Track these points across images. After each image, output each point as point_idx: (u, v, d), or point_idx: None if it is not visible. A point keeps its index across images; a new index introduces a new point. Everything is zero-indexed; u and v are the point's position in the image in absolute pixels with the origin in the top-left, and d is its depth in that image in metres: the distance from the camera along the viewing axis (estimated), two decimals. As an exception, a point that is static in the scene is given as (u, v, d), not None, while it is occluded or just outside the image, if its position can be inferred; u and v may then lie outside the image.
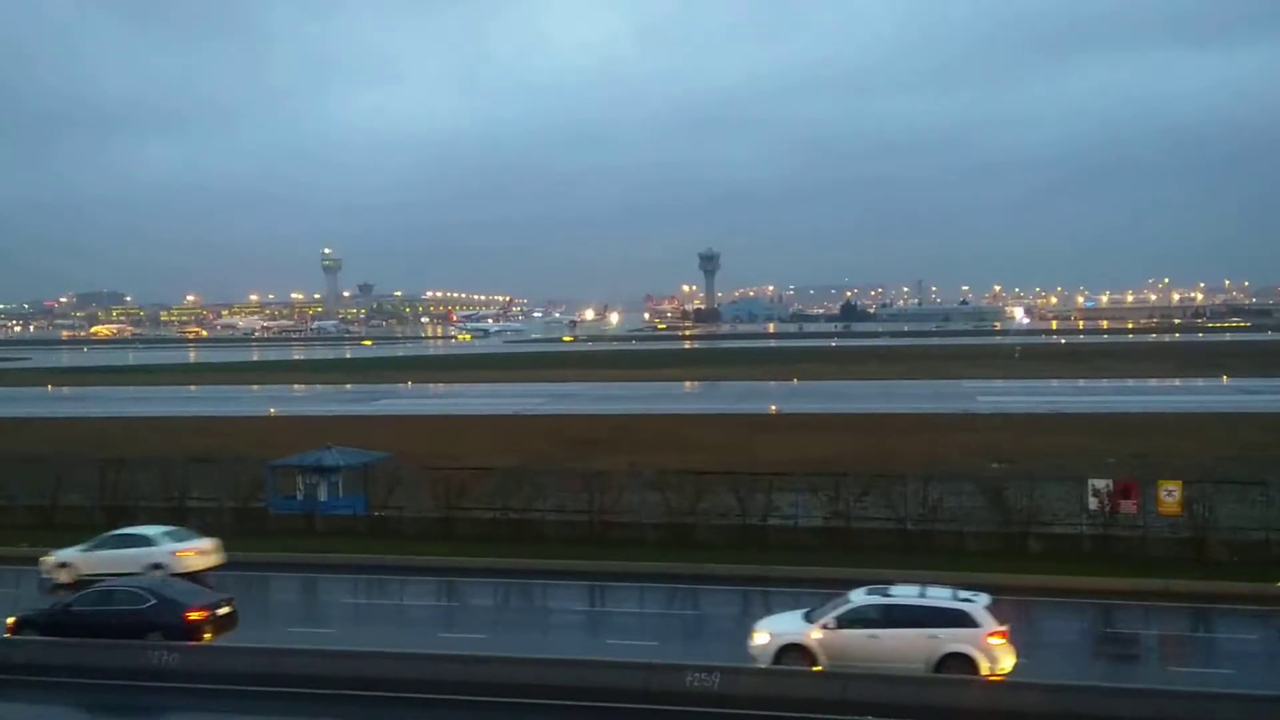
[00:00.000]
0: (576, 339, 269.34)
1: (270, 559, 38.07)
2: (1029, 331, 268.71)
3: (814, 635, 24.79)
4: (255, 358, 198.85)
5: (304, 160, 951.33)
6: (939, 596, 24.97)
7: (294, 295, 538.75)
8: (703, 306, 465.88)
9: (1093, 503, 36.22)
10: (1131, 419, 71.36)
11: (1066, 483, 38.26)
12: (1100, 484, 36.36)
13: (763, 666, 24.74)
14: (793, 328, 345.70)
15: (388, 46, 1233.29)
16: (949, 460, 48.34)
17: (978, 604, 24.49)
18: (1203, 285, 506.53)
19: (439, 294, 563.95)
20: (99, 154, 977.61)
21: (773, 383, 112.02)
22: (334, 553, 38.55)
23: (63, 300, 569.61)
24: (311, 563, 38.03)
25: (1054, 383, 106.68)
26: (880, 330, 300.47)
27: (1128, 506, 36.00)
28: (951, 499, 38.14)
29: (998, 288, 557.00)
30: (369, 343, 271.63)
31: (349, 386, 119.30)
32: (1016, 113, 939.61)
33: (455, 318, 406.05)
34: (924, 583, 26.11)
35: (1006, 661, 23.98)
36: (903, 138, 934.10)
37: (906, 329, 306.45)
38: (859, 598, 25.23)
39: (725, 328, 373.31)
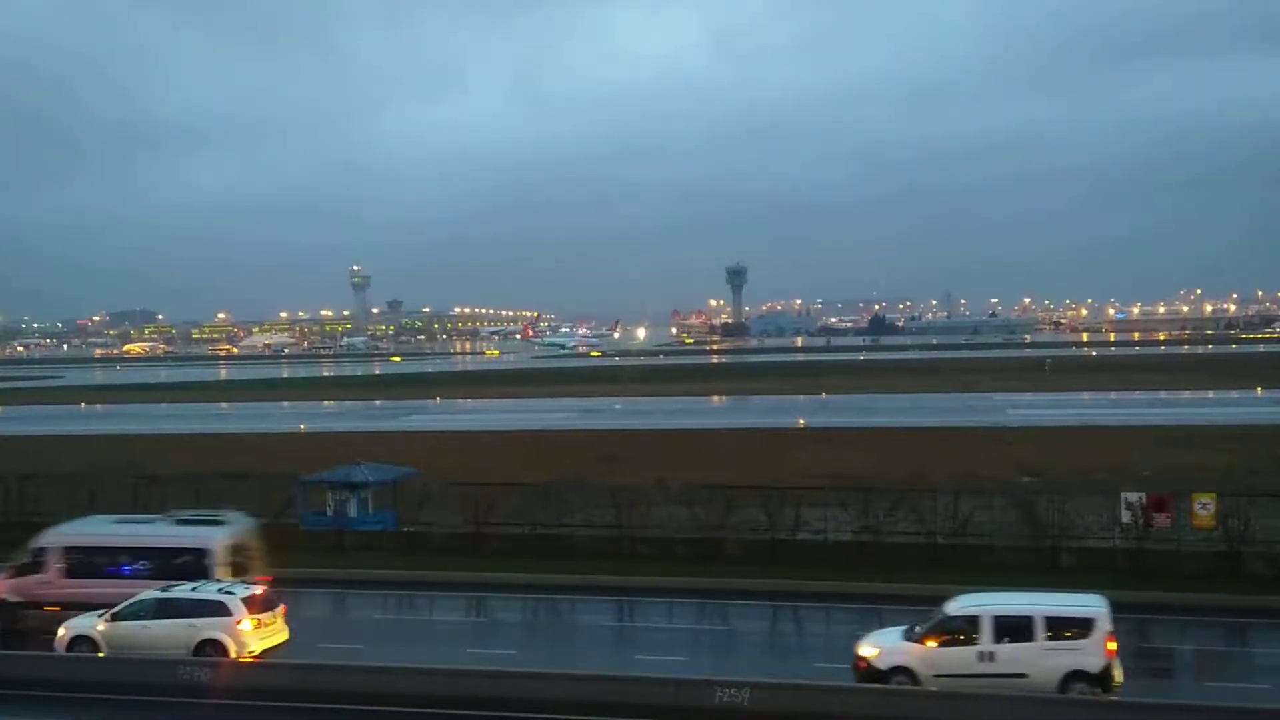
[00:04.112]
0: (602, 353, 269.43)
1: (301, 575, 38.27)
2: (1058, 344, 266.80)
3: (99, 628, 28.50)
4: (285, 374, 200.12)
5: (352, 176, 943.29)
6: (206, 590, 28.76)
7: (324, 312, 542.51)
8: (730, 321, 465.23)
9: (1126, 516, 35.90)
10: (1164, 431, 70.58)
11: (1099, 496, 37.98)
12: (1133, 497, 36.05)
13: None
14: (821, 341, 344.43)
15: (453, 59, 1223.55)
16: (979, 474, 48.01)
17: (235, 596, 28.12)
18: (1235, 296, 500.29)
19: (467, 310, 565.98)
20: (135, 173, 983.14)
21: (801, 397, 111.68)
22: (363, 568, 38.72)
23: (95, 319, 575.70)
24: (341, 578, 38.20)
25: (1085, 395, 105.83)
26: (909, 343, 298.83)
27: (1161, 520, 35.67)
28: (982, 513, 37.89)
29: (1027, 300, 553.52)
30: (398, 359, 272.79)
31: (378, 403, 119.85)
32: (1074, 121, 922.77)
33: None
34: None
35: (255, 644, 27.71)
36: (953, 147, 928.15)
37: (935, 342, 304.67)
38: (148, 594, 28.93)
39: (753, 342, 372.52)
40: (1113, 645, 23.94)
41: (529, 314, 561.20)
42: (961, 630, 24.74)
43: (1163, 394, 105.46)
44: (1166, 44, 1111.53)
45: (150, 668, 26.84)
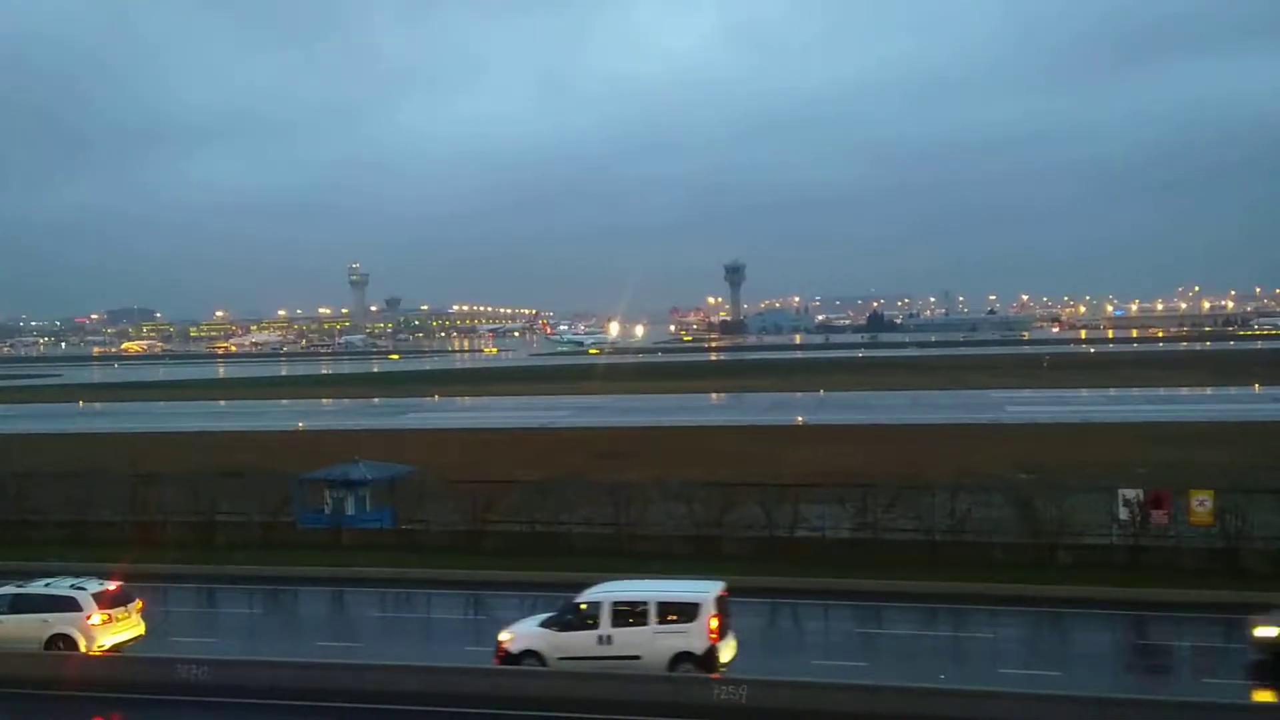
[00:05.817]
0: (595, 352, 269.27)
1: (299, 573, 38.30)
2: (1056, 341, 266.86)
3: None
4: (284, 373, 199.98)
5: (363, 173, 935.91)
6: (58, 586, 29.55)
7: (322, 310, 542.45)
8: (728, 318, 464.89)
9: (1123, 513, 35.89)
10: (1162, 428, 70.66)
11: (1096, 493, 37.90)
12: (1131, 494, 36.01)
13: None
14: (819, 339, 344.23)
15: (471, 54, 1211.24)
16: (977, 471, 48.01)
17: (86, 592, 29.10)
18: (1234, 292, 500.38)
19: (465, 307, 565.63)
20: (138, 171, 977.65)
21: (799, 394, 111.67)
22: (361, 566, 38.71)
23: (94, 317, 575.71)
24: (339, 576, 38.18)
25: (1083, 392, 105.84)
26: (907, 341, 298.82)
27: (1159, 517, 35.66)
28: (980, 510, 37.85)
29: (1025, 297, 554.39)
30: (396, 357, 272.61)
31: (377, 401, 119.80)
32: (1077, 117, 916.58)
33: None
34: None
35: (107, 640, 28.52)
36: (958, 144, 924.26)
37: (934, 339, 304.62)
38: (4, 589, 29.48)
39: (751, 339, 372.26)
40: (715, 626, 25.28)
41: (527, 311, 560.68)
42: (586, 616, 26.35)
43: (1160, 390, 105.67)
44: (1171, 41, 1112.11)
45: (146, 666, 26.94)
